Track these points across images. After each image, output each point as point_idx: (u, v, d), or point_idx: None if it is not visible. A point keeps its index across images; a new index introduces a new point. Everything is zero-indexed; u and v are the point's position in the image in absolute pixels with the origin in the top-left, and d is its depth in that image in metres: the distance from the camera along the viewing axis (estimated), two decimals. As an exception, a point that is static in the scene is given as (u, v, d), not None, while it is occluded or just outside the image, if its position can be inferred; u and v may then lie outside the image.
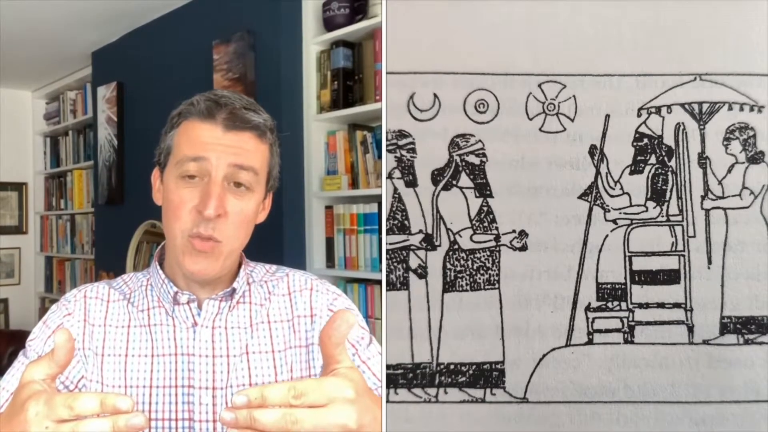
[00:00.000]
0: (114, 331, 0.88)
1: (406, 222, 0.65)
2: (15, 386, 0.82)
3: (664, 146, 0.65)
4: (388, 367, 0.63)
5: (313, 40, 2.46)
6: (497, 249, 0.64)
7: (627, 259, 0.65)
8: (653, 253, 0.65)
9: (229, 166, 0.84)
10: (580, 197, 0.64)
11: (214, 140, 0.85)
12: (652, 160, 0.65)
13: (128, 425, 0.54)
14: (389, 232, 0.65)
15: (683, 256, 0.65)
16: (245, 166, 0.85)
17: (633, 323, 0.64)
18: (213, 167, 0.84)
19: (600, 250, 0.64)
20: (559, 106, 0.64)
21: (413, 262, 0.65)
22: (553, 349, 0.63)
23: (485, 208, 0.65)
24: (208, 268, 0.85)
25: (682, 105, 0.65)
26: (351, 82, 2.37)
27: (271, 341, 0.90)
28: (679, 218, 0.65)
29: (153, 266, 0.93)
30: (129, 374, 0.85)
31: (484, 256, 0.65)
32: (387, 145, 0.64)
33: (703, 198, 0.65)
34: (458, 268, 0.65)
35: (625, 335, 0.63)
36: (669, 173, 0.65)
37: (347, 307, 0.96)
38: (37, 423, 0.56)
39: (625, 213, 0.65)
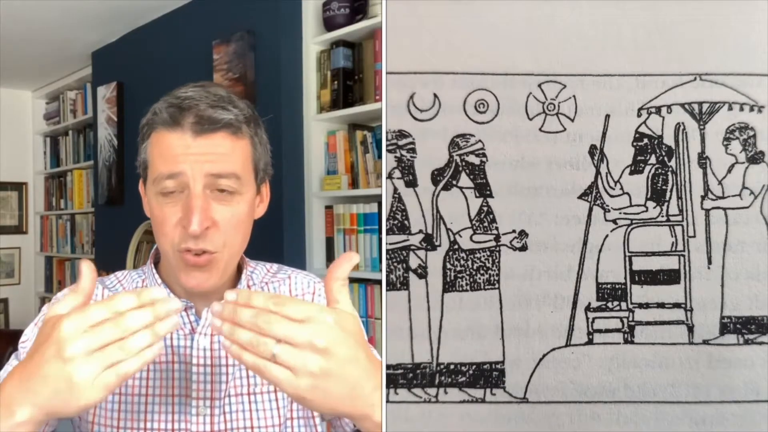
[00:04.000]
0: None
1: (406, 222, 0.65)
2: None
3: (664, 146, 0.65)
4: (388, 367, 0.63)
5: (313, 40, 2.46)
6: (497, 249, 0.64)
7: (627, 259, 0.65)
8: (653, 253, 0.65)
9: (207, 176, 0.79)
10: (580, 197, 0.64)
11: (184, 150, 0.79)
12: (652, 160, 0.65)
13: (167, 311, 0.60)
14: (389, 232, 0.65)
15: (683, 256, 0.65)
16: (224, 173, 0.80)
17: (633, 323, 0.64)
18: (190, 179, 0.78)
19: (600, 250, 0.64)
20: (559, 106, 0.64)
21: (413, 262, 0.65)
22: (553, 349, 0.63)
23: (485, 208, 0.65)
24: (206, 281, 0.82)
25: (682, 105, 0.65)
26: (351, 82, 2.37)
27: None
28: (679, 218, 0.65)
29: (148, 267, 0.90)
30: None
31: (484, 256, 0.65)
32: (387, 145, 0.64)
33: (703, 198, 0.65)
34: (458, 268, 0.65)
35: (625, 335, 0.63)
36: (669, 173, 0.65)
37: (349, 311, 0.93)
38: (74, 335, 0.57)
39: (625, 213, 0.65)
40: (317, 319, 0.60)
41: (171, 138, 0.80)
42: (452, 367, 0.63)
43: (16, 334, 3.98)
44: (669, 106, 0.65)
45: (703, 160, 0.65)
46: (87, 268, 0.64)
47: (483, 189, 0.65)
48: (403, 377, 0.63)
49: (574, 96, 0.64)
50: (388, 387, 0.62)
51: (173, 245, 0.80)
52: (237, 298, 0.60)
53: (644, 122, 0.65)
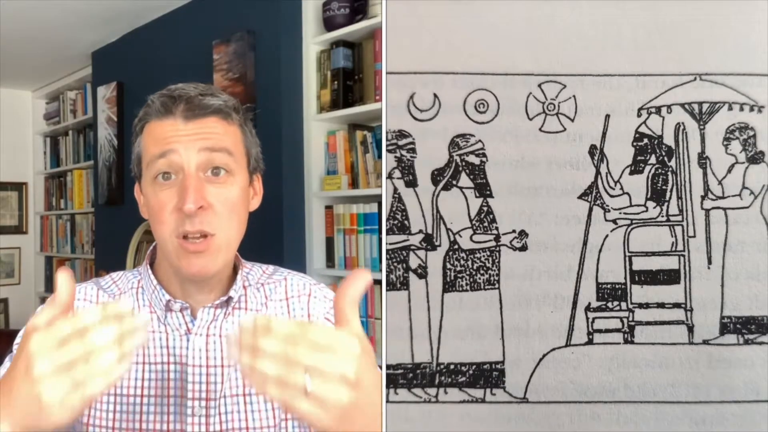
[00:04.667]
0: None
1: (406, 222, 0.65)
2: None
3: (664, 146, 0.65)
4: (388, 367, 0.63)
5: (313, 40, 2.46)
6: (497, 249, 0.64)
7: (627, 259, 0.65)
8: (653, 253, 0.65)
9: (200, 151, 0.80)
10: (580, 197, 0.64)
11: (176, 132, 0.81)
12: (652, 160, 0.65)
13: (134, 325, 0.59)
14: (389, 232, 0.65)
15: (683, 256, 0.65)
16: (216, 147, 0.81)
17: (633, 323, 0.64)
18: (184, 160, 0.80)
19: (600, 250, 0.64)
20: (559, 106, 0.64)
21: (413, 262, 0.65)
22: (553, 349, 0.63)
23: (485, 208, 0.65)
24: (206, 267, 0.82)
25: (682, 105, 0.65)
26: (351, 82, 2.37)
27: None
28: (679, 218, 0.65)
29: (144, 268, 0.90)
30: (119, 382, 0.80)
31: (484, 256, 0.65)
32: (387, 145, 0.64)
33: (703, 198, 0.65)
34: (458, 268, 0.65)
35: (625, 335, 0.63)
36: (669, 173, 0.65)
37: (362, 334, 0.93)
38: (42, 352, 0.56)
39: (625, 213, 0.65)
40: (344, 346, 0.57)
41: (163, 125, 0.83)
42: (452, 367, 0.63)
43: (16, 334, 3.99)
44: (669, 106, 0.65)
45: (703, 160, 0.65)
46: (63, 278, 0.60)
47: (483, 189, 0.65)
48: (403, 377, 0.63)
49: (574, 96, 0.64)
50: (388, 387, 0.62)
51: (171, 231, 0.81)
52: (255, 323, 0.57)
53: (644, 122, 0.65)
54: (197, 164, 0.81)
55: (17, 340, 0.87)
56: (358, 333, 0.59)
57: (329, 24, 2.40)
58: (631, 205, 0.65)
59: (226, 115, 0.84)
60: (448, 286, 0.64)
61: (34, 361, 0.56)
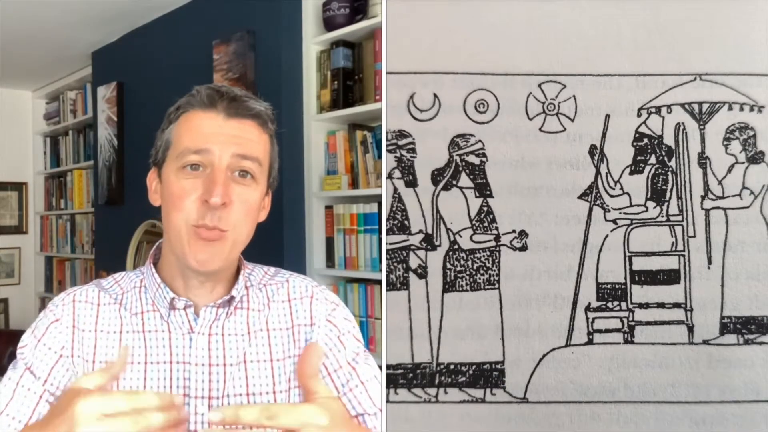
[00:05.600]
0: (105, 336, 0.85)
1: (406, 222, 0.65)
2: (8, 403, 0.81)
3: (664, 146, 0.65)
4: (388, 367, 0.63)
5: (313, 40, 2.46)
6: (497, 249, 0.64)
7: (627, 259, 0.65)
8: (653, 253, 0.65)
9: (233, 156, 0.83)
10: (580, 197, 0.64)
11: (216, 129, 0.84)
12: (652, 160, 0.65)
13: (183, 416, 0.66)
14: (389, 232, 0.65)
15: (683, 256, 0.65)
16: (249, 155, 0.84)
17: (633, 323, 0.64)
18: (216, 158, 0.82)
19: (600, 250, 0.64)
20: (559, 106, 0.64)
21: (413, 262, 0.65)
22: (553, 349, 0.63)
23: (485, 208, 0.65)
24: (213, 257, 0.83)
25: (682, 105, 0.65)
26: (351, 82, 2.37)
27: (269, 350, 0.87)
28: (679, 218, 0.65)
29: (147, 267, 0.90)
30: (122, 382, 0.82)
31: (484, 256, 0.65)
32: (387, 145, 0.64)
33: (703, 198, 0.65)
34: (458, 268, 0.65)
35: (625, 335, 0.63)
36: (669, 173, 0.65)
37: (345, 317, 0.94)
38: (88, 420, 0.62)
39: (625, 213, 0.65)
40: (313, 422, 0.65)
41: (204, 117, 0.85)
42: (452, 367, 0.63)
43: (16, 334, 3.97)
44: (669, 106, 0.65)
45: (703, 160, 0.65)
46: (125, 355, 0.70)
47: (483, 189, 0.65)
48: (403, 377, 0.63)
49: (574, 96, 0.64)
50: (388, 387, 0.62)
51: (189, 220, 0.82)
52: (223, 416, 0.65)
53: (644, 122, 0.65)
54: (228, 164, 0.83)
55: (21, 344, 0.87)
56: (323, 402, 0.68)
57: (329, 24, 2.40)
58: (631, 205, 0.65)
59: (263, 123, 0.87)
60: (448, 286, 0.64)
61: (78, 426, 0.62)
